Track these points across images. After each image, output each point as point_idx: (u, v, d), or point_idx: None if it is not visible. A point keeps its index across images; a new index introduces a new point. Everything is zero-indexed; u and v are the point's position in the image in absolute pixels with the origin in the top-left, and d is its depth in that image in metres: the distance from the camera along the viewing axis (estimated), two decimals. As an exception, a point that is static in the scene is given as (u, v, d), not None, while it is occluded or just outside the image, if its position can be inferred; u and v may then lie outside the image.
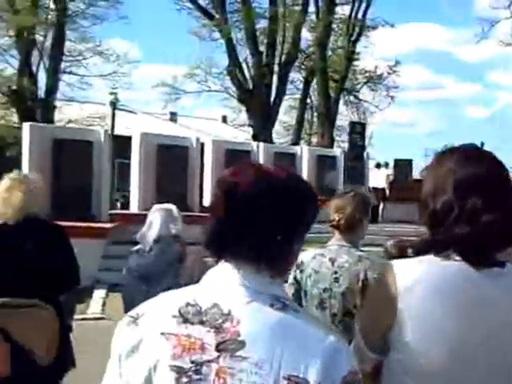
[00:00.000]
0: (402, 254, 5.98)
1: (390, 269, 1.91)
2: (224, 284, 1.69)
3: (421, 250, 1.96)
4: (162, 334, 1.65)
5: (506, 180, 1.98)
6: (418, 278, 1.86)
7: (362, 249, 4.02)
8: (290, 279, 3.90)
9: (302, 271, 3.85)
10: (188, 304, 1.68)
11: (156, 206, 4.82)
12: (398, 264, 1.94)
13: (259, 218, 1.67)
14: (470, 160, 1.96)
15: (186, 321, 1.66)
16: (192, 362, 1.61)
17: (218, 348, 1.61)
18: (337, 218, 3.84)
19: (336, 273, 3.79)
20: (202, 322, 1.65)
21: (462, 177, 1.91)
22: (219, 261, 1.73)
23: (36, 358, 2.47)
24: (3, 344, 2.12)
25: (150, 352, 1.65)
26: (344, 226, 3.84)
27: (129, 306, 4.32)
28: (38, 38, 28.64)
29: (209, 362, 1.60)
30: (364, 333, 1.97)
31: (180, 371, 1.61)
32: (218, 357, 1.60)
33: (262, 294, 1.66)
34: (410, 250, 6.45)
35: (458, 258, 1.87)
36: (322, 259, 3.84)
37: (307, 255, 3.89)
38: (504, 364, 1.86)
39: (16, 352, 2.16)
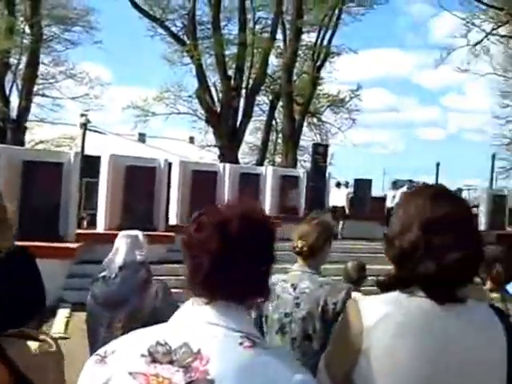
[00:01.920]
0: (360, 275, 6.29)
1: (355, 306, 1.91)
2: (194, 322, 1.69)
3: (386, 286, 1.96)
4: (130, 373, 1.65)
5: (471, 220, 2.03)
6: (382, 316, 1.85)
7: (323, 266, 4.02)
8: None
9: None
10: (158, 343, 1.67)
11: (122, 233, 4.74)
12: (362, 301, 1.94)
13: (245, 254, 1.71)
14: (438, 200, 1.97)
15: (154, 360, 1.65)
16: None
17: None
18: (300, 245, 3.89)
19: (297, 298, 3.81)
20: (171, 362, 1.64)
21: (428, 216, 1.92)
22: (198, 297, 1.74)
23: None
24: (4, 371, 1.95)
25: None
26: (307, 253, 3.88)
27: (92, 332, 4.52)
28: (12, 60, 29.07)
29: None
30: (328, 367, 1.96)
31: None
32: None
33: (231, 332, 1.66)
34: (367, 266, 6.48)
35: (422, 294, 1.88)
36: (284, 285, 3.87)
37: (270, 281, 4.09)
38: None
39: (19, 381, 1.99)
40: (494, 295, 4.10)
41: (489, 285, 4.15)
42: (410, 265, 1.89)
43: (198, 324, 1.68)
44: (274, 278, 3.87)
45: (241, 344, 1.64)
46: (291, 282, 3.88)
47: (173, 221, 16.67)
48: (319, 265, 4.03)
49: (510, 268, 4.33)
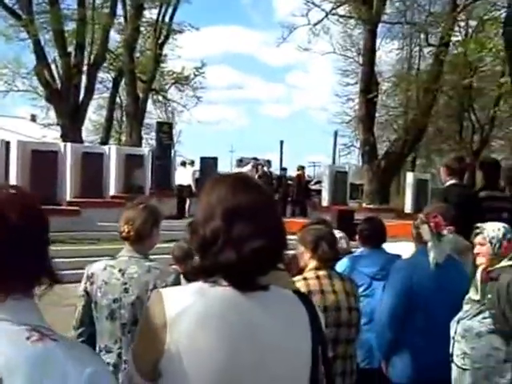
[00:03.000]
0: (187, 253, 5.95)
1: (159, 298, 1.90)
2: None
3: (191, 276, 2.01)
4: None
5: (272, 209, 2.05)
6: (185, 307, 1.84)
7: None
8: (81, 291, 3.91)
9: (92, 283, 3.86)
10: None
11: None
12: (166, 292, 1.93)
13: (31, 241, 1.64)
14: (239, 188, 1.97)
15: None
16: None
17: None
18: (126, 230, 3.88)
19: (125, 283, 3.80)
20: None
21: (230, 204, 1.91)
22: None
23: None
24: None
25: None
26: (134, 238, 3.88)
27: None
28: None
29: None
30: (135, 359, 1.94)
31: None
32: None
33: (17, 326, 1.57)
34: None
35: (225, 283, 1.88)
36: (112, 270, 3.85)
37: (98, 267, 3.90)
38: None
39: None
40: (321, 273, 4.25)
41: (316, 263, 4.29)
42: (212, 254, 1.88)
43: None
44: (101, 264, 3.92)
45: (28, 338, 1.55)
46: (119, 268, 3.87)
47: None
48: (147, 249, 4.02)
49: (336, 246, 4.51)
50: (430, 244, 4.60)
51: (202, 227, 1.91)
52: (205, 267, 1.92)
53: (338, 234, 5.84)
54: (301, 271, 4.36)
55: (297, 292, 2.15)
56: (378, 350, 4.95)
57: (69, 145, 18.45)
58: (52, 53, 30.12)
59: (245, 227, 1.88)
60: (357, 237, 5.93)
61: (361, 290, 5.19)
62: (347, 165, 32.12)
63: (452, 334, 4.41)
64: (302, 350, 1.96)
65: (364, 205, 26.61)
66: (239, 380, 1.84)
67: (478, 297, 4.30)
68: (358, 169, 36.33)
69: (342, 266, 5.39)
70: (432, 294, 4.51)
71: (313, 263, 4.29)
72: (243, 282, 1.89)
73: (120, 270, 3.85)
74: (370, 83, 28.98)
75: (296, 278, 4.22)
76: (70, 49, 29.28)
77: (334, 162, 42.79)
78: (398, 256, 5.62)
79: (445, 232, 4.65)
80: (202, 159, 25.06)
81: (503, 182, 8.09)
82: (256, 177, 22.84)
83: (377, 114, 32.37)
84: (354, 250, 6.30)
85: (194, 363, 1.82)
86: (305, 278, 4.21)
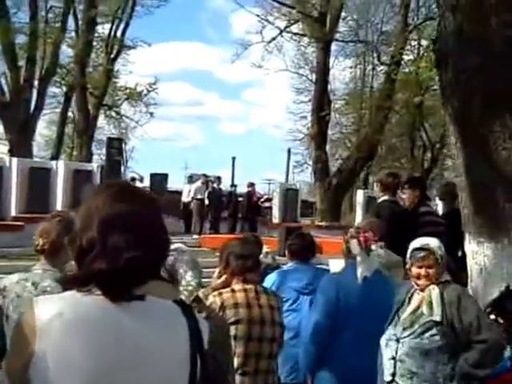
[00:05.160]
0: None
1: (30, 306, 1.87)
2: None
3: (66, 285, 1.96)
4: None
5: (155, 218, 2.02)
6: (56, 315, 1.81)
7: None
8: None
9: (4, 297, 3.76)
10: None
11: None
12: (38, 301, 1.90)
13: None
14: (119, 197, 1.96)
15: None
16: None
17: None
18: (41, 243, 3.82)
19: (38, 297, 3.97)
20: None
21: (106, 214, 1.91)
22: None
23: None
24: None
25: None
26: (48, 251, 3.83)
27: None
28: None
29: None
30: (6, 368, 1.91)
31: None
32: None
33: None
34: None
35: (98, 293, 1.86)
36: (25, 284, 3.77)
37: (11, 280, 3.82)
38: None
39: None
40: (248, 286, 4.29)
41: (234, 278, 4.32)
42: (87, 263, 1.88)
43: None
44: (14, 277, 3.82)
45: None
46: (32, 281, 3.77)
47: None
48: (63, 263, 3.91)
49: (250, 256, 4.48)
50: (358, 258, 4.59)
51: (80, 237, 1.91)
52: (79, 276, 1.90)
53: (264, 249, 5.86)
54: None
55: (180, 303, 2.10)
56: (304, 365, 4.91)
57: (15, 160, 18.13)
58: (1, 66, 29.76)
59: (120, 237, 1.88)
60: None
61: (288, 304, 5.19)
62: (298, 182, 32.26)
63: (391, 354, 4.30)
64: (177, 358, 1.93)
65: (316, 222, 26.73)
66: None
67: (438, 318, 4.19)
68: (312, 186, 36.57)
69: (270, 280, 5.41)
70: (359, 309, 4.52)
71: (234, 278, 4.32)
72: (116, 291, 1.87)
73: (33, 284, 3.76)
74: (322, 101, 29.23)
75: (224, 290, 4.24)
76: (21, 62, 28.85)
77: (287, 179, 42.88)
78: (326, 270, 5.64)
79: (373, 247, 4.65)
80: (152, 175, 24.96)
81: (441, 196, 8.22)
82: (206, 193, 22.83)
83: (330, 132, 32.65)
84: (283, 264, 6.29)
85: (61, 371, 1.79)
86: (233, 290, 4.24)
